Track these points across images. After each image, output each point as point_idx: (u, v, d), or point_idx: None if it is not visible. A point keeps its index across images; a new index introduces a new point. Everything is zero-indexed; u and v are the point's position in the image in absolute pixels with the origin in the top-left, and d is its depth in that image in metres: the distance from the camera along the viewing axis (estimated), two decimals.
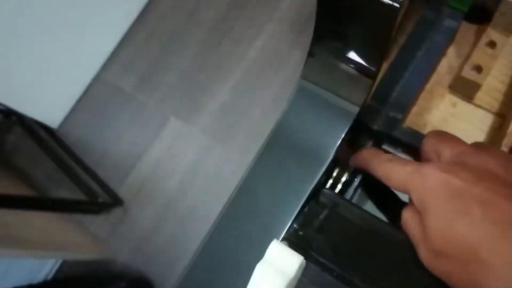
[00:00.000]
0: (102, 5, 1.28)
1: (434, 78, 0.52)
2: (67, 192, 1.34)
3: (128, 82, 1.38)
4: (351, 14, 0.29)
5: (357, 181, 0.44)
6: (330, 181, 0.43)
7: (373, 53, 0.31)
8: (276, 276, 0.26)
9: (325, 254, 0.31)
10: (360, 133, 0.44)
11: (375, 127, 0.44)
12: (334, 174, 0.43)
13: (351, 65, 0.33)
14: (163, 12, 1.42)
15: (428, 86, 0.52)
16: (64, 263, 1.29)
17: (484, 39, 0.47)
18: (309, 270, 0.30)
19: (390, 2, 0.26)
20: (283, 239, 0.32)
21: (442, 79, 0.51)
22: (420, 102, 0.51)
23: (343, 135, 0.35)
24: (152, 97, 1.36)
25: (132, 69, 1.39)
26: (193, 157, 1.32)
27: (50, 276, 1.26)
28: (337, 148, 0.36)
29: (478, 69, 0.46)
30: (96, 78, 1.40)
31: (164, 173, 1.33)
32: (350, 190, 0.43)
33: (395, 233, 0.35)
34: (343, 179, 0.43)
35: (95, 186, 1.30)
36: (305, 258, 0.30)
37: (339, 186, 0.43)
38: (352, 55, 0.32)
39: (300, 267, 0.27)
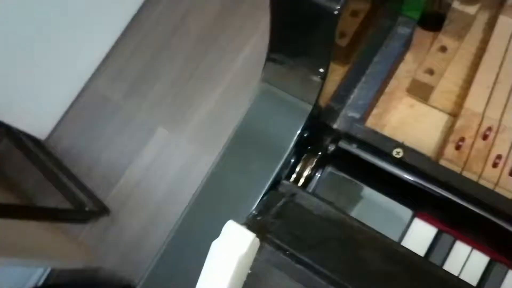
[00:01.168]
0: (91, 16, 1.31)
1: (393, 82, 0.56)
2: (55, 201, 1.36)
3: (116, 92, 1.42)
4: (299, 22, 0.33)
5: (318, 175, 0.47)
6: (294, 176, 0.46)
7: (320, 56, 0.35)
8: (229, 252, 0.29)
9: (280, 236, 0.34)
10: (322, 132, 0.48)
11: (335, 126, 0.48)
12: (297, 169, 0.46)
13: (302, 68, 0.37)
14: (150, 23, 1.46)
15: (387, 90, 0.56)
16: (52, 271, 1.30)
17: (436, 45, 0.51)
18: (264, 250, 0.33)
19: (330, 6, 0.30)
20: (242, 224, 0.35)
21: (401, 83, 0.55)
22: (380, 104, 0.55)
23: (299, 131, 0.39)
24: (140, 107, 1.40)
25: (120, 79, 1.42)
26: (180, 165, 1.35)
27: (39, 284, 1.27)
28: (294, 143, 0.39)
29: (431, 72, 0.50)
30: (85, 89, 1.43)
31: (152, 181, 1.36)
32: (313, 183, 0.47)
33: (346, 218, 0.38)
34: (305, 173, 0.46)
35: (82, 196, 1.32)
36: (261, 240, 0.33)
37: (302, 180, 0.46)
38: (303, 59, 0.36)
39: (252, 244, 0.30)
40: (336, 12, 0.30)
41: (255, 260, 0.32)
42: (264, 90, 0.39)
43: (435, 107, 0.53)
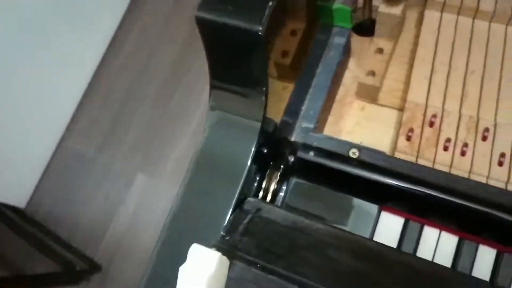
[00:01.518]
0: (55, 75, 1.32)
1: (342, 89, 0.58)
2: (44, 267, 1.33)
3: (90, 146, 1.42)
4: (229, 47, 0.35)
5: (284, 188, 0.49)
6: (261, 193, 0.48)
7: (258, 76, 0.37)
8: (197, 274, 0.30)
9: (250, 252, 0.35)
10: (281, 146, 0.50)
11: (292, 138, 0.50)
12: (263, 185, 0.48)
13: (244, 90, 0.39)
14: (115, 72, 1.48)
15: (338, 98, 0.58)
16: None
17: (373, 48, 0.54)
18: (235, 267, 0.34)
19: (253, 28, 0.32)
20: (212, 246, 0.36)
21: (349, 89, 0.58)
22: (334, 112, 0.58)
23: (253, 149, 0.40)
24: (116, 157, 1.40)
25: (92, 133, 1.43)
26: (164, 207, 1.35)
27: None
28: (251, 161, 0.41)
29: (373, 74, 0.53)
30: (58, 149, 1.43)
31: (139, 228, 1.35)
32: (280, 196, 0.48)
33: (313, 223, 0.39)
34: (272, 188, 0.48)
35: (71, 256, 1.30)
36: (231, 258, 0.34)
37: (269, 195, 0.48)
38: (242, 81, 0.38)
39: (220, 263, 0.31)
40: (260, 33, 0.33)
41: (228, 279, 0.33)
42: (214, 117, 0.41)
43: (384, 106, 0.56)
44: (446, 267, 0.39)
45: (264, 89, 0.38)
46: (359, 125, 0.56)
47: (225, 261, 0.32)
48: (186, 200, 0.40)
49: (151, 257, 0.40)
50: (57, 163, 1.43)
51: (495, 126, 0.45)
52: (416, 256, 0.37)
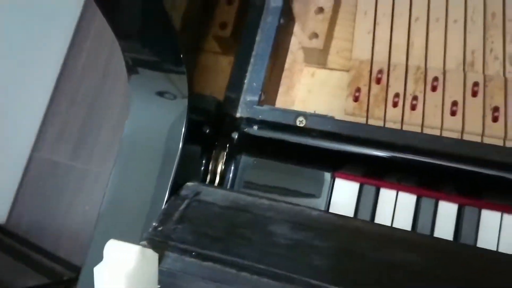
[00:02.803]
0: (16, 86, 1.28)
1: (290, 57, 0.55)
2: (33, 280, 1.30)
3: (63, 153, 1.38)
4: (135, 20, 0.32)
5: (232, 168, 0.46)
6: (209, 176, 0.45)
7: (170, 48, 0.34)
8: (114, 271, 0.27)
9: (185, 240, 0.33)
10: (227, 124, 0.47)
11: (237, 114, 0.47)
12: (210, 168, 0.45)
13: (162, 67, 0.35)
14: (78, 74, 1.43)
15: (287, 66, 0.55)
16: None
17: (313, 8, 0.51)
18: (167, 259, 0.31)
19: None
20: (142, 239, 0.33)
21: (296, 56, 0.55)
22: (284, 81, 0.54)
23: (183, 129, 0.37)
24: (91, 161, 1.36)
25: (63, 139, 1.39)
26: None
27: None
28: (184, 142, 0.38)
29: (316, 36, 0.50)
30: (30, 160, 1.39)
31: None
32: (229, 177, 0.45)
33: (256, 200, 0.37)
34: (219, 169, 0.45)
35: (57, 266, 1.27)
36: (163, 250, 0.32)
37: (217, 177, 0.45)
38: (157, 58, 0.35)
39: (143, 257, 0.28)
40: None
41: (161, 272, 0.31)
42: (137, 99, 0.38)
43: (334, 69, 0.53)
44: (396, 229, 0.36)
45: (180, 62, 0.35)
46: (311, 92, 0.53)
47: (151, 254, 0.29)
48: (117, 192, 0.37)
49: (88, 253, 0.37)
50: (32, 175, 1.39)
51: (444, 73, 0.43)
52: (362, 220, 0.35)
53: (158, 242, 0.32)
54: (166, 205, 0.36)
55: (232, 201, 0.36)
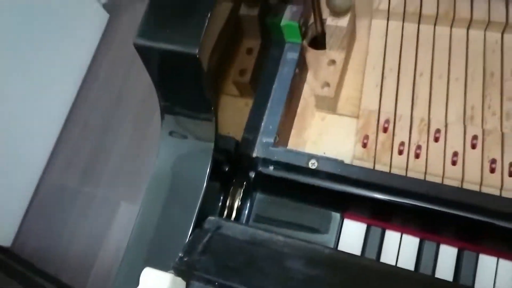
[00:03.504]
0: (31, 109, 1.32)
1: (302, 102, 0.59)
2: None
3: (71, 178, 1.41)
4: (171, 72, 0.36)
5: (248, 204, 0.50)
6: (226, 211, 0.48)
7: (203, 96, 0.38)
8: None
9: (208, 270, 0.36)
10: (244, 163, 0.50)
11: (254, 154, 0.51)
12: (227, 203, 0.48)
13: (193, 113, 0.39)
14: (92, 101, 1.48)
15: (299, 111, 0.59)
16: None
17: (326, 60, 0.56)
18: (192, 287, 0.34)
19: (189, 51, 0.33)
20: (170, 269, 0.36)
21: (308, 101, 0.59)
22: (296, 125, 0.59)
23: (208, 170, 0.41)
24: (99, 187, 1.40)
25: (73, 164, 1.43)
26: None
27: None
28: (208, 181, 0.41)
29: (328, 85, 0.55)
30: (40, 184, 1.42)
31: None
32: (244, 213, 0.49)
33: (272, 236, 0.40)
34: (236, 205, 0.48)
35: None
36: (189, 279, 0.35)
37: (234, 212, 0.48)
38: (190, 104, 0.39)
39: (174, 284, 0.32)
40: (197, 55, 0.34)
41: None
42: (167, 141, 0.42)
43: (343, 115, 0.57)
44: (401, 268, 0.39)
45: (211, 110, 0.39)
46: (321, 135, 0.57)
47: (180, 282, 0.33)
48: (145, 224, 0.40)
49: (114, 281, 0.40)
50: (40, 198, 1.42)
51: (446, 126, 0.47)
52: (371, 259, 0.38)
53: (184, 271, 0.35)
54: (191, 237, 0.39)
55: (250, 236, 0.40)
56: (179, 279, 0.32)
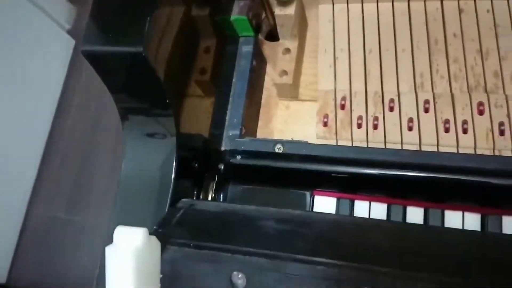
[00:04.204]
0: (9, 145, 1.32)
1: (265, 94, 0.61)
2: None
3: (58, 208, 1.41)
4: (122, 71, 0.37)
5: (221, 195, 0.51)
6: (202, 193, 0.50)
7: (159, 93, 0.39)
8: (124, 250, 0.29)
9: (182, 236, 0.36)
10: (214, 158, 0.52)
11: (222, 148, 0.52)
12: (201, 197, 0.50)
13: (152, 110, 0.41)
14: (68, 130, 1.48)
15: (263, 102, 0.61)
16: None
17: (280, 49, 0.57)
18: (169, 251, 0.35)
19: (133, 50, 0.34)
20: None
21: (271, 91, 0.61)
22: (262, 116, 0.60)
23: (174, 165, 0.42)
24: (88, 213, 1.39)
25: (58, 194, 1.42)
26: None
27: None
28: (175, 176, 0.43)
29: (286, 73, 0.56)
30: (27, 218, 1.41)
31: None
32: (222, 192, 0.50)
33: (245, 207, 0.41)
34: (209, 198, 0.50)
35: None
36: (164, 244, 0.35)
37: (211, 194, 0.50)
38: (147, 103, 0.40)
39: (148, 240, 0.30)
40: (143, 53, 0.35)
41: (163, 262, 0.33)
42: (131, 143, 0.43)
43: (305, 100, 0.59)
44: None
45: (168, 105, 0.40)
46: (287, 123, 0.59)
47: (155, 240, 0.32)
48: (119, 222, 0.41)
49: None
50: (29, 232, 1.41)
51: (398, 95, 0.49)
52: (334, 214, 0.39)
53: (159, 237, 0.34)
54: (165, 214, 0.40)
55: (223, 208, 0.41)
56: (153, 237, 0.32)
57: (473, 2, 0.50)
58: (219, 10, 0.56)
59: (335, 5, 0.55)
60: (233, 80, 0.55)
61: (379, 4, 0.53)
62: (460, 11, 0.50)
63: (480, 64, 0.47)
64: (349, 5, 0.54)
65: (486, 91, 0.46)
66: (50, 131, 1.46)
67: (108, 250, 0.30)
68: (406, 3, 0.52)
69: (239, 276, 0.33)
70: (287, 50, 0.57)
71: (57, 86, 1.47)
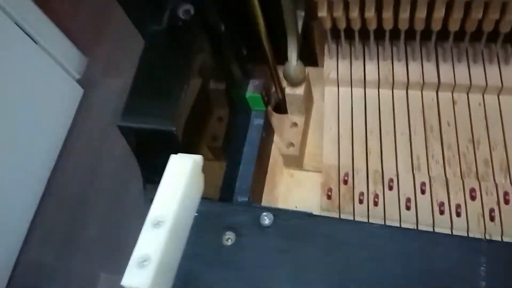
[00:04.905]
0: (9, 184, 1.32)
1: (271, 161, 0.65)
2: None
3: (48, 253, 1.39)
4: (151, 148, 0.41)
5: None
6: None
7: None
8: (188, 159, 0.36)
9: None
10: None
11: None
12: None
13: None
14: (68, 175, 1.49)
15: (269, 169, 0.65)
16: None
17: (288, 123, 0.62)
18: None
19: (166, 129, 0.38)
20: None
21: (277, 160, 0.65)
22: (268, 182, 0.64)
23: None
24: (77, 261, 1.38)
25: (50, 239, 1.41)
26: None
27: None
28: None
29: (292, 145, 0.61)
30: (17, 263, 1.39)
31: None
32: None
33: None
34: None
35: None
36: None
37: None
38: None
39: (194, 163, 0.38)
40: (174, 132, 0.39)
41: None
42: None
43: (309, 171, 0.62)
44: None
45: None
46: (291, 190, 0.63)
47: (200, 160, 0.39)
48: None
49: None
50: (17, 278, 1.39)
51: (397, 175, 0.53)
52: None
53: None
54: None
55: None
56: (199, 157, 0.38)
57: (466, 95, 0.55)
58: (234, 85, 0.61)
59: (340, 88, 0.60)
60: (244, 149, 0.59)
61: (380, 90, 0.59)
62: (454, 102, 0.55)
63: (472, 152, 0.52)
64: (352, 89, 0.60)
65: (477, 178, 0.50)
66: (50, 175, 1.47)
67: (173, 157, 0.38)
68: (405, 91, 0.57)
69: None
70: (295, 124, 0.62)
71: (63, 131, 1.50)
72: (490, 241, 0.36)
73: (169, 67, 0.43)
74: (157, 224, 0.33)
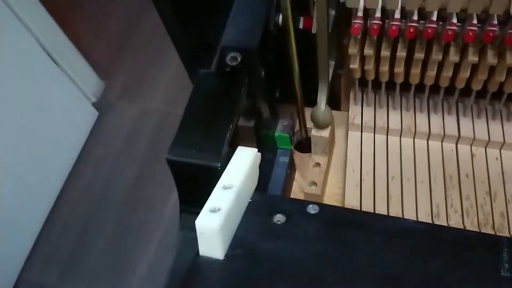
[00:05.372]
0: (14, 207, 1.33)
1: (292, 197, 0.68)
2: None
3: (51, 276, 1.38)
4: (195, 179, 0.44)
5: None
6: None
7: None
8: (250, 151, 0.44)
9: None
10: None
11: None
12: None
13: None
14: (75, 200, 1.51)
15: None
16: None
17: (311, 163, 0.65)
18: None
19: (213, 165, 0.41)
20: None
21: (298, 196, 0.67)
22: None
23: None
24: (80, 282, 1.37)
25: (53, 261, 1.41)
26: None
27: None
28: None
29: (315, 184, 0.63)
30: (17, 284, 1.38)
31: None
32: None
33: None
34: None
35: None
36: None
37: None
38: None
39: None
40: (219, 168, 0.42)
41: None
42: (185, 237, 0.48)
43: None
44: None
45: None
46: None
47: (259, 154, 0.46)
48: None
49: None
50: None
51: None
52: None
53: None
54: None
55: None
56: (259, 153, 0.45)
57: (484, 149, 0.58)
58: (263, 124, 0.64)
59: (363, 133, 0.63)
60: (269, 185, 0.62)
61: (402, 138, 0.62)
62: (473, 155, 0.58)
63: (489, 204, 0.54)
64: (375, 135, 0.63)
65: (494, 229, 0.53)
66: (55, 200, 1.48)
67: (240, 149, 0.45)
68: (426, 141, 0.61)
69: None
70: (318, 164, 0.64)
71: (73, 154, 1.52)
72: None
73: (215, 107, 0.46)
74: (226, 187, 0.40)
